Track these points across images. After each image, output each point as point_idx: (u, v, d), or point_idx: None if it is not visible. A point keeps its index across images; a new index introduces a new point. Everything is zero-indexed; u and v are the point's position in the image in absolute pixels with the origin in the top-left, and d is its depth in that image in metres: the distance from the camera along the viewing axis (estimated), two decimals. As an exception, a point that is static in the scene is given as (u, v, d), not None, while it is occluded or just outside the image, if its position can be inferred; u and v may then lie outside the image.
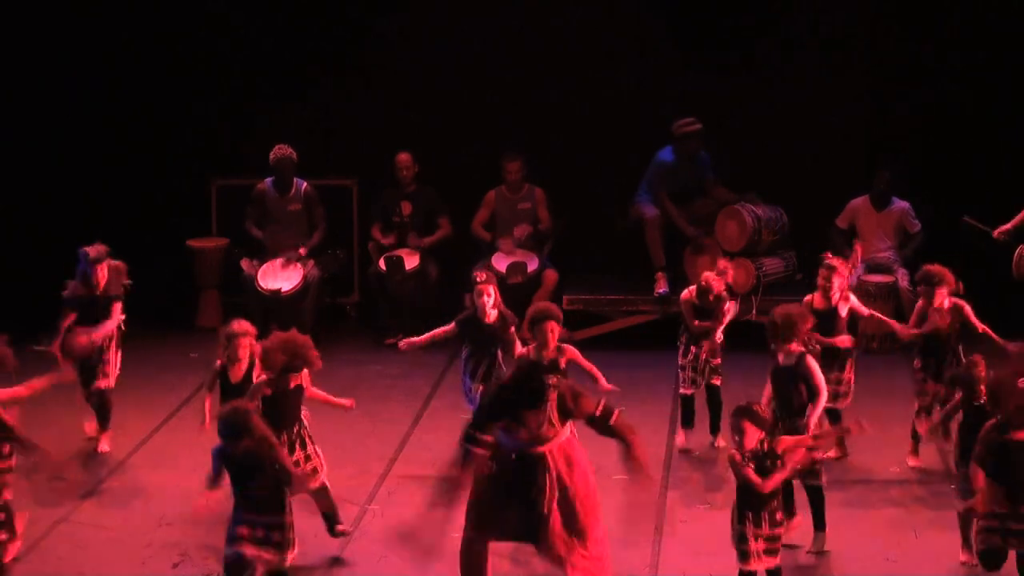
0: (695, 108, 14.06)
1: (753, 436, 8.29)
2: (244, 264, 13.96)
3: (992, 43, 14.26)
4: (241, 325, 10.07)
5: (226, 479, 8.40)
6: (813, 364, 9.35)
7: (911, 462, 10.84)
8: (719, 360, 11.14)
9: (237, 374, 9.98)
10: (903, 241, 13.97)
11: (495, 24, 14.68)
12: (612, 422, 8.26)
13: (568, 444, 8.29)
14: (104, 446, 11.25)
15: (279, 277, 13.75)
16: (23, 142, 14.71)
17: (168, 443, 11.37)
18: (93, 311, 11.17)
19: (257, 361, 9.98)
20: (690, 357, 11.10)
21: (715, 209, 13.86)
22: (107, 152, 14.81)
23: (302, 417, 9.45)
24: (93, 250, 11.20)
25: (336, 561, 9.37)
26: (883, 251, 13.94)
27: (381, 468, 10.76)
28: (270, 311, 13.70)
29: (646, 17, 14.57)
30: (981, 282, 11.36)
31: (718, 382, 11.15)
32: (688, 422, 11.20)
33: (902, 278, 13.71)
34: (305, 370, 9.41)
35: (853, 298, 10.92)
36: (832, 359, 10.61)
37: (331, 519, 9.56)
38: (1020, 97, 14.33)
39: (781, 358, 9.40)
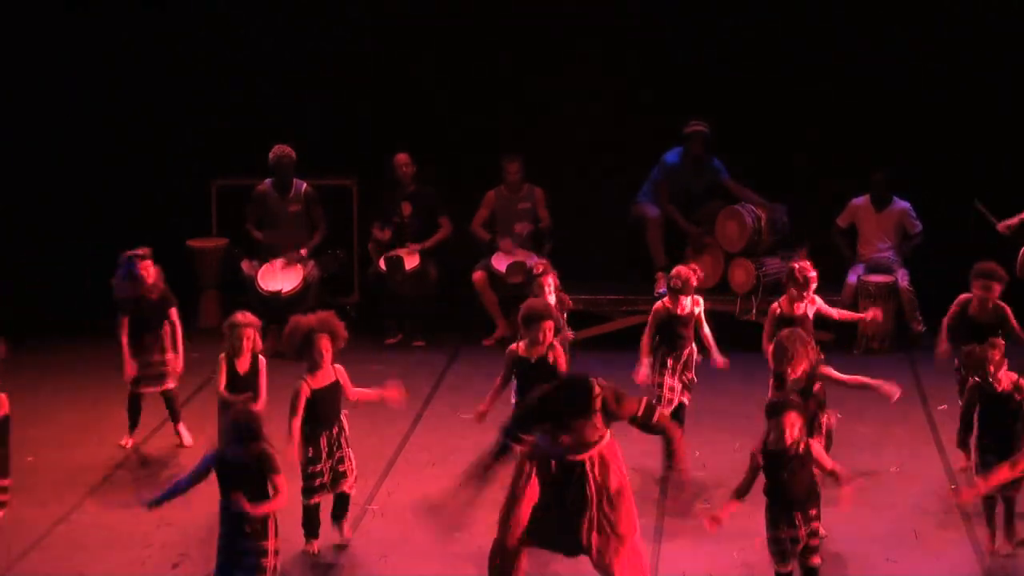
0: (695, 108, 14.08)
1: (799, 428, 8.24)
2: (244, 265, 13.96)
3: (992, 43, 14.25)
4: (245, 316, 10.18)
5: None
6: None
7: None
8: (692, 374, 10.81)
9: (244, 365, 10.11)
10: (903, 241, 13.99)
11: (495, 24, 14.69)
12: (655, 420, 8.32)
13: (606, 446, 8.27)
14: (186, 439, 11.31)
15: (279, 278, 13.75)
16: (23, 142, 14.71)
17: (169, 442, 11.37)
18: (146, 313, 11.19)
19: (260, 355, 10.08)
20: (667, 376, 10.70)
21: (718, 211, 13.87)
22: (107, 152, 14.81)
23: (342, 418, 9.43)
24: (141, 250, 11.22)
25: (336, 561, 9.37)
26: (883, 251, 13.95)
27: (381, 468, 10.75)
28: (270, 312, 13.71)
29: (647, 17, 14.57)
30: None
31: (687, 399, 10.78)
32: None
33: (902, 278, 13.73)
34: (342, 369, 9.41)
35: (818, 299, 10.85)
36: None
37: (338, 520, 9.55)
38: (1020, 97, 14.32)
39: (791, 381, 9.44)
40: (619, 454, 8.36)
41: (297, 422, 9.20)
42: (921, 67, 14.36)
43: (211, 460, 8.28)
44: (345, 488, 9.45)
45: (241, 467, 8.17)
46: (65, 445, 11.28)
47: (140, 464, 11.05)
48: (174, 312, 11.31)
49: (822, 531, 8.58)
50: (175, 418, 11.37)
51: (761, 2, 14.54)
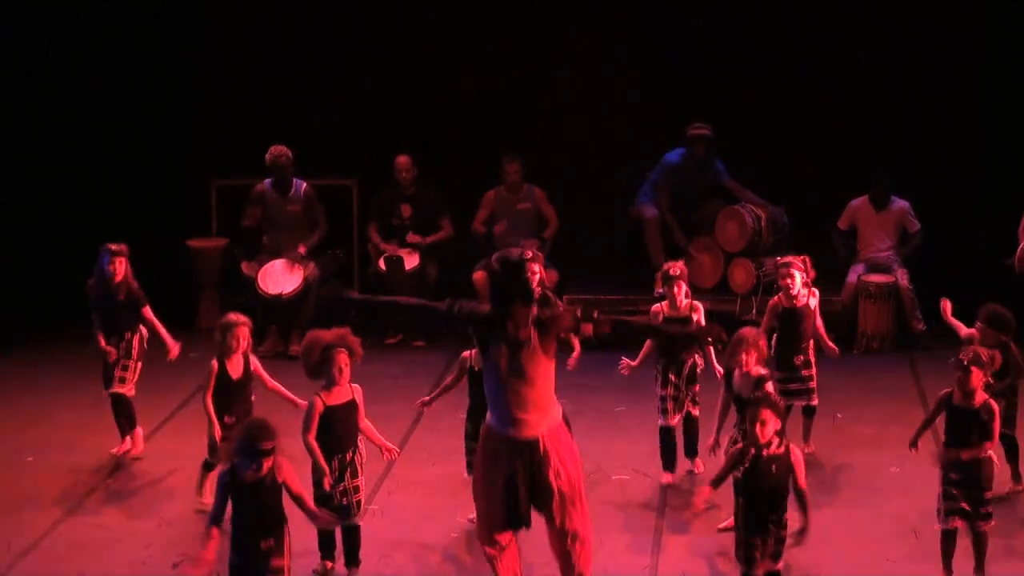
0: (695, 108, 14.08)
1: (772, 426, 8.13)
2: (244, 267, 13.95)
3: (992, 43, 14.25)
4: (239, 316, 9.87)
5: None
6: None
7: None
8: (698, 387, 10.63)
9: (236, 369, 9.81)
10: (903, 240, 13.98)
11: (495, 23, 14.69)
12: (595, 317, 8.20)
13: (558, 429, 8.23)
14: (129, 448, 10.97)
15: (280, 280, 13.72)
16: (23, 142, 14.70)
17: (168, 443, 11.36)
18: (113, 311, 10.89)
19: (251, 355, 9.88)
20: (670, 389, 10.56)
21: (718, 211, 13.86)
22: (107, 152, 14.80)
23: (359, 443, 9.09)
24: (116, 245, 10.92)
25: (335, 561, 9.37)
26: (883, 251, 13.95)
27: (381, 468, 10.74)
28: (271, 312, 13.71)
29: (648, 17, 14.57)
30: (981, 282, 11.35)
31: (697, 412, 10.57)
32: (671, 464, 10.58)
33: (902, 277, 13.72)
34: (360, 389, 9.08)
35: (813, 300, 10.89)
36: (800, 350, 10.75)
37: (350, 566, 9.24)
38: (1020, 97, 14.32)
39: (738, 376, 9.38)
40: (572, 441, 8.25)
41: (311, 437, 8.85)
42: (920, 67, 14.37)
43: (225, 481, 7.90)
44: (353, 521, 9.09)
45: (254, 484, 7.83)
46: (65, 445, 11.27)
47: (139, 465, 11.02)
48: (147, 311, 10.92)
49: (789, 539, 8.35)
50: (120, 428, 10.93)
51: (761, 3, 14.55)
